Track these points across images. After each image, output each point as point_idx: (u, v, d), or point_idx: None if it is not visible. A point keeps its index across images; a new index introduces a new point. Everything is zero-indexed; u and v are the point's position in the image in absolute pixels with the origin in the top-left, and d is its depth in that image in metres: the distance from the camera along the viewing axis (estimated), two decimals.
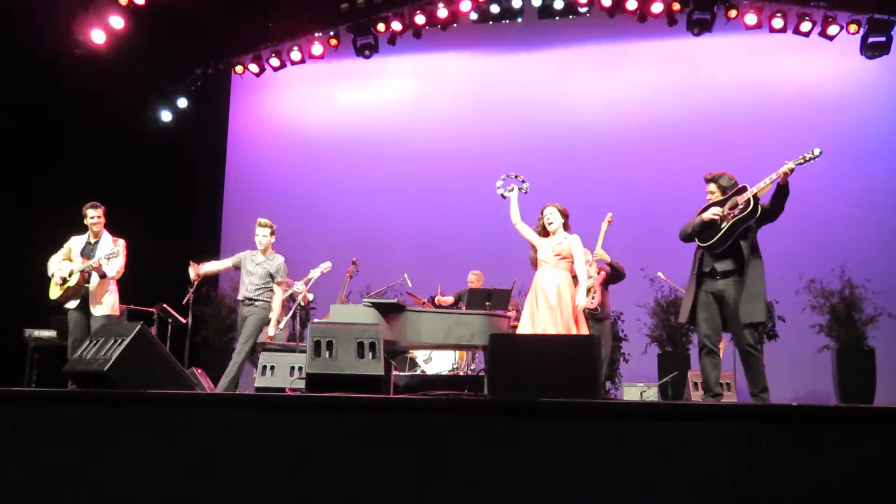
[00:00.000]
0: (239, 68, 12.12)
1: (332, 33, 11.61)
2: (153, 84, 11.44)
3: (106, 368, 4.43)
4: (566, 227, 6.48)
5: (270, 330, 7.33)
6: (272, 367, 7.00)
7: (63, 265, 6.85)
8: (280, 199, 11.72)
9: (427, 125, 12.13)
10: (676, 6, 10.66)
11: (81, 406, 3.58)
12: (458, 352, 8.72)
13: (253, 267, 7.32)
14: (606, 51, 12.00)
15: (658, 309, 10.02)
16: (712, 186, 5.60)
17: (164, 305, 8.87)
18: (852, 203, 10.35)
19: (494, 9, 11.54)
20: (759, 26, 10.53)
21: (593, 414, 3.04)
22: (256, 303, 7.26)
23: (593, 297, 7.51)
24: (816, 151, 5.12)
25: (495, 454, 3.01)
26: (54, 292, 6.87)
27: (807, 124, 10.57)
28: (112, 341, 4.65)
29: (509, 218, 6.63)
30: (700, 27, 10.69)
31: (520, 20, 11.95)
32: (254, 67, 11.95)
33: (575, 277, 6.41)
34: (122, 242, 7.00)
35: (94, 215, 6.97)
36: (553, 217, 6.47)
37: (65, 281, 6.79)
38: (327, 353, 5.20)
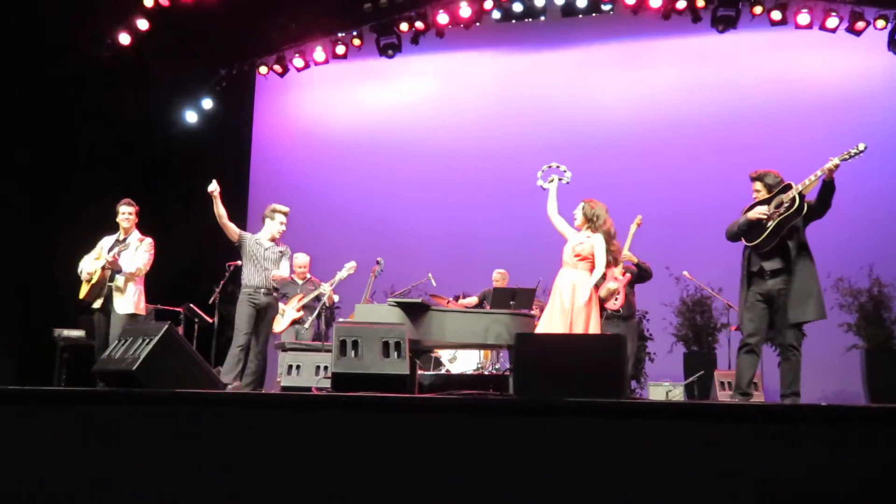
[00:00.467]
0: (263, 69, 12.18)
1: (355, 33, 11.63)
2: (178, 86, 11.53)
3: (134, 368, 4.47)
4: (593, 226, 6.33)
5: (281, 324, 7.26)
6: (298, 367, 7.05)
7: (93, 264, 6.82)
8: (304, 199, 11.74)
9: (450, 124, 12.13)
10: (701, 3, 10.56)
11: (110, 405, 3.62)
12: (482, 351, 8.71)
13: (263, 252, 6.98)
14: (630, 49, 11.93)
15: (684, 308, 9.95)
16: (758, 185, 5.53)
17: (191, 305, 8.93)
18: (880, 201, 10.22)
19: (517, 7, 11.51)
20: (784, 22, 10.42)
21: (619, 414, 3.03)
22: (273, 293, 7.05)
23: (616, 299, 7.47)
24: (861, 147, 5.07)
25: (520, 454, 3.01)
26: (83, 291, 6.87)
27: (833, 121, 10.45)
28: (140, 341, 4.69)
29: (545, 210, 6.49)
30: (725, 24, 10.60)
31: (542, 18, 11.93)
32: (277, 68, 12.00)
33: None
34: (148, 241, 6.96)
35: (126, 212, 6.93)
36: (577, 214, 6.39)
37: (91, 279, 6.78)
38: (353, 352, 5.22)
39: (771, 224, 5.27)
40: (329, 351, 6.42)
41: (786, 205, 5.23)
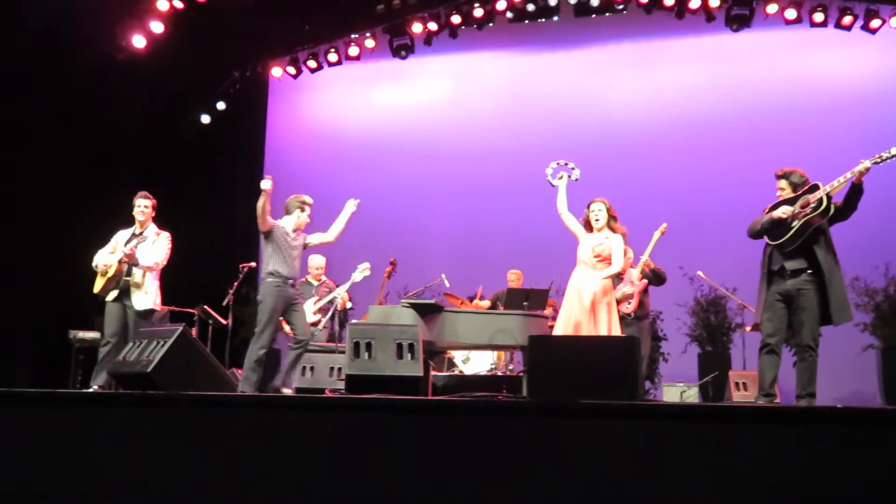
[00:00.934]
0: (276, 70, 12.22)
1: (368, 34, 11.67)
2: (192, 87, 11.58)
3: (149, 370, 4.50)
4: (612, 227, 6.34)
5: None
6: (311, 368, 7.06)
7: (109, 258, 6.66)
8: (318, 200, 11.65)
9: (464, 125, 12.12)
10: (715, 2, 10.53)
11: (125, 407, 3.64)
12: (496, 352, 8.71)
13: (291, 242, 6.70)
14: (643, 48, 11.89)
15: (698, 308, 9.91)
16: (783, 183, 5.46)
17: (205, 307, 8.93)
18: None
19: (530, 7, 11.48)
20: (798, 21, 10.38)
21: (632, 416, 3.02)
22: (296, 286, 6.71)
23: (629, 303, 7.46)
24: (894, 150, 5.02)
25: (534, 456, 3.01)
26: (97, 285, 6.69)
27: (848, 119, 10.40)
28: (154, 343, 4.72)
29: (556, 207, 6.46)
30: (739, 23, 10.57)
31: (556, 18, 11.91)
32: (291, 69, 12.04)
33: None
34: (166, 235, 6.80)
35: (142, 205, 6.78)
36: (600, 214, 6.33)
37: (106, 272, 6.61)
38: (366, 354, 5.22)
39: (796, 224, 5.22)
40: (343, 352, 6.43)
41: (812, 205, 5.18)
